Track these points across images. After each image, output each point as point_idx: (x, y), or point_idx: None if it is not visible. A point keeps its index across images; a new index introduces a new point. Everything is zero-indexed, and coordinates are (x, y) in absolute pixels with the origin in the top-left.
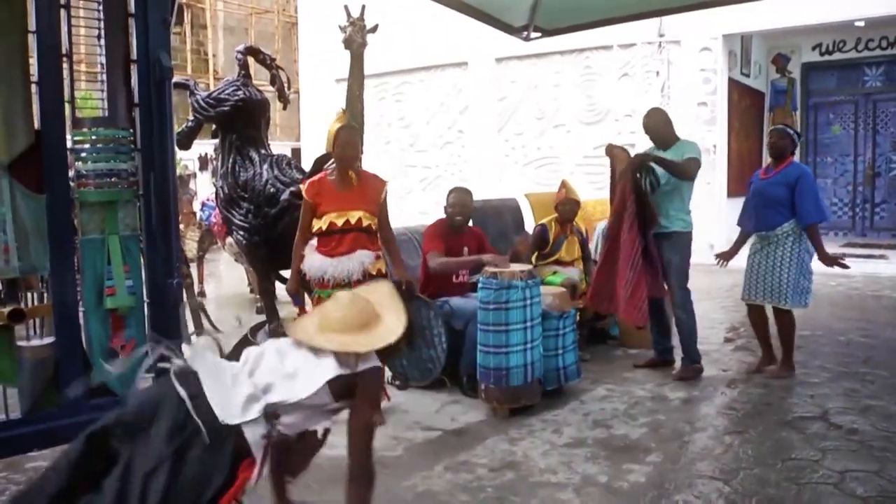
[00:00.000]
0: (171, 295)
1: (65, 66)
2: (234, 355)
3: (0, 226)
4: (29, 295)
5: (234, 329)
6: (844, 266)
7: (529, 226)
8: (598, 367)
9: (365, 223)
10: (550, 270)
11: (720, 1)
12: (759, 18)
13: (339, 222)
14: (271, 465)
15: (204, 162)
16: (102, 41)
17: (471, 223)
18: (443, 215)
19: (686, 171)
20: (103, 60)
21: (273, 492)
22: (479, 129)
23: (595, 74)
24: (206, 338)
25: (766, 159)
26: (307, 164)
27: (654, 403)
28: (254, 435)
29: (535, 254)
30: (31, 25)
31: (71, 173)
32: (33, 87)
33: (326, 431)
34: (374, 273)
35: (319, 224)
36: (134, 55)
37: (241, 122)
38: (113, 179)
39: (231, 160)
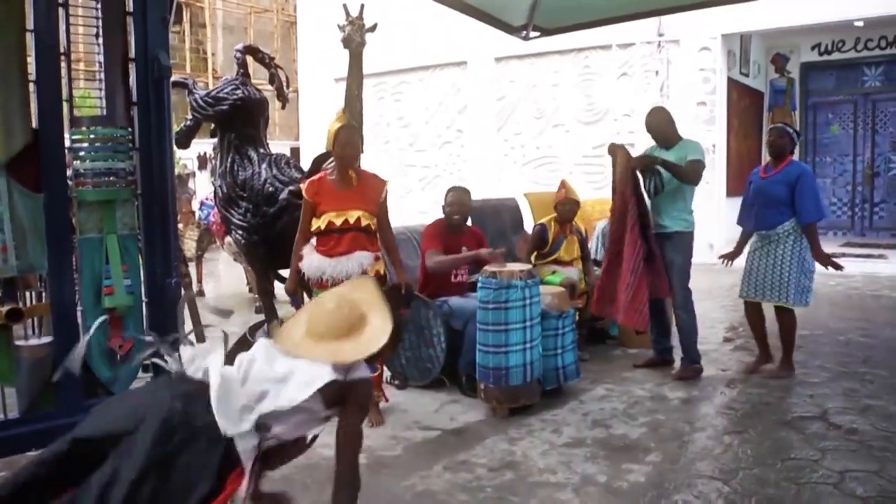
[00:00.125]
0: (169, 294)
1: (63, 64)
2: (232, 356)
3: None
4: (28, 294)
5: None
6: (838, 266)
7: (528, 225)
8: (597, 367)
9: (364, 223)
10: (549, 270)
11: (719, 0)
12: (758, 18)
13: (338, 222)
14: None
15: (203, 161)
16: (100, 40)
17: (470, 223)
18: (442, 215)
19: (692, 176)
20: (101, 59)
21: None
22: (478, 129)
23: (594, 74)
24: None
25: (766, 158)
26: (306, 164)
27: (653, 403)
28: (244, 445)
29: (535, 253)
30: (30, 24)
31: (69, 172)
32: (31, 86)
33: (314, 437)
34: (373, 274)
35: (318, 223)
36: (132, 54)
37: (240, 121)
38: (111, 178)
39: (230, 159)
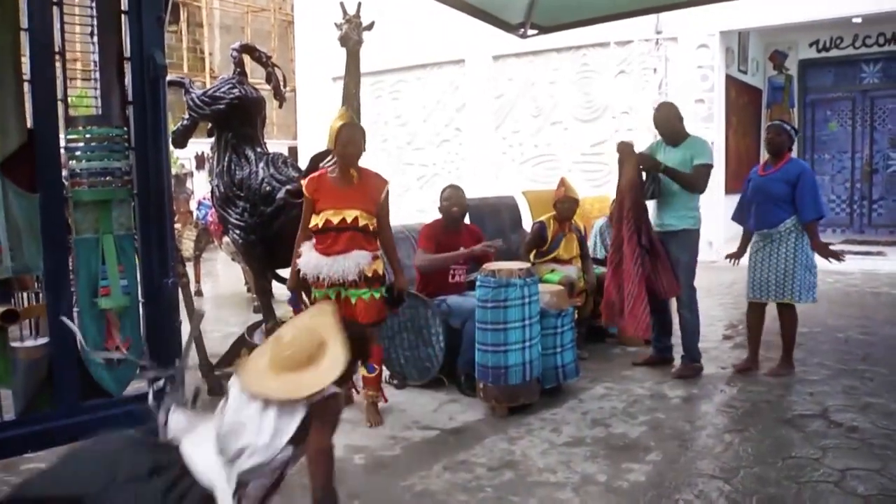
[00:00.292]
0: (166, 294)
1: (58, 64)
2: (230, 356)
3: None
4: (25, 295)
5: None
6: (839, 257)
7: (527, 223)
8: (596, 366)
9: (361, 223)
10: (548, 268)
11: None
12: (757, 15)
13: (335, 220)
14: None
15: (201, 161)
16: (95, 39)
17: (468, 221)
18: (438, 216)
19: (698, 185)
20: (97, 58)
21: None
22: (477, 127)
23: (592, 72)
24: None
25: (764, 156)
26: (304, 163)
27: (653, 402)
28: (224, 500)
29: (533, 252)
30: (24, 23)
31: (64, 172)
32: (26, 86)
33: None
34: (370, 274)
35: (316, 221)
36: (128, 53)
37: (237, 121)
38: (107, 178)
39: (227, 158)
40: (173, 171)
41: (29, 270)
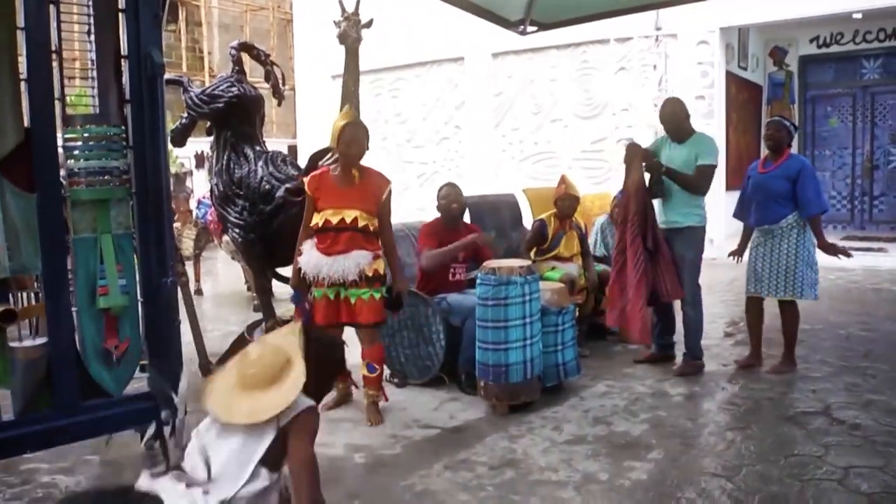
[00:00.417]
0: (165, 294)
1: (55, 62)
2: (230, 355)
3: None
4: (24, 295)
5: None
6: (847, 253)
7: (528, 221)
8: (597, 363)
9: (361, 223)
10: (549, 266)
11: None
12: (757, 11)
13: (335, 220)
14: None
15: (200, 159)
16: (92, 37)
17: (469, 219)
18: (437, 214)
19: (700, 187)
20: (93, 57)
21: None
22: (476, 125)
23: (592, 69)
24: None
25: (765, 152)
26: (303, 161)
27: (654, 400)
28: None
29: (534, 249)
30: (20, 22)
31: (62, 171)
32: (22, 85)
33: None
34: (371, 274)
35: (317, 220)
36: (125, 51)
37: (236, 119)
38: (105, 177)
39: (226, 157)
40: (173, 169)
41: (27, 270)
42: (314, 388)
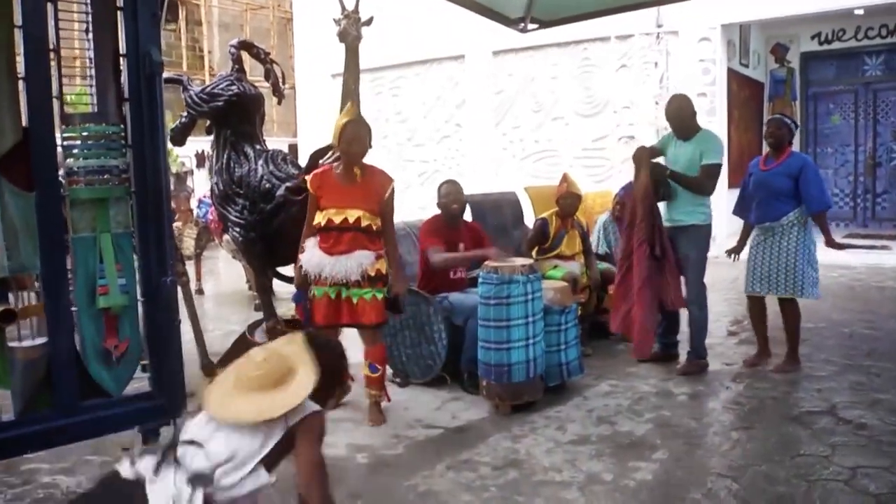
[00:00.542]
0: (165, 293)
1: (53, 61)
2: (231, 354)
3: None
4: (25, 295)
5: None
6: (853, 246)
7: (529, 219)
8: (600, 363)
9: (364, 223)
10: (551, 265)
11: None
12: (758, 8)
13: (337, 220)
14: None
15: (201, 159)
16: (90, 35)
17: (470, 218)
18: (437, 211)
19: (702, 188)
20: (92, 55)
21: None
22: (477, 123)
23: (593, 66)
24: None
25: (766, 150)
26: (304, 160)
27: (658, 399)
28: None
29: (536, 248)
30: (18, 20)
31: (61, 171)
32: (20, 83)
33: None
34: (373, 274)
35: (319, 219)
36: (123, 50)
37: (236, 118)
38: (104, 176)
39: (226, 156)
40: (174, 169)
41: (26, 270)
42: (321, 394)
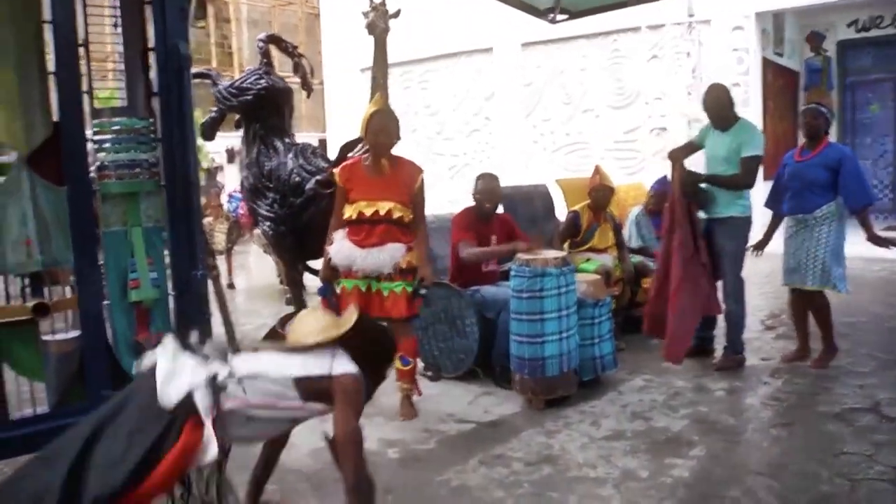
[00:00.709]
0: (196, 287)
1: (82, 56)
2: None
3: (21, 219)
4: (61, 289)
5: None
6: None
7: (561, 212)
8: (634, 357)
9: (396, 215)
10: (584, 258)
11: None
12: None
13: (368, 212)
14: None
15: (231, 155)
16: (119, 30)
17: (501, 210)
18: (471, 202)
19: (741, 184)
20: (120, 49)
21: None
22: (506, 116)
23: (623, 57)
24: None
25: (801, 140)
26: (333, 155)
27: (694, 394)
28: (202, 400)
29: (568, 241)
30: (47, 15)
31: (92, 166)
32: (51, 78)
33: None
34: (405, 266)
35: (350, 212)
36: (152, 44)
37: (265, 111)
38: (135, 170)
39: (255, 150)
40: (204, 164)
41: (58, 264)
42: (365, 366)
